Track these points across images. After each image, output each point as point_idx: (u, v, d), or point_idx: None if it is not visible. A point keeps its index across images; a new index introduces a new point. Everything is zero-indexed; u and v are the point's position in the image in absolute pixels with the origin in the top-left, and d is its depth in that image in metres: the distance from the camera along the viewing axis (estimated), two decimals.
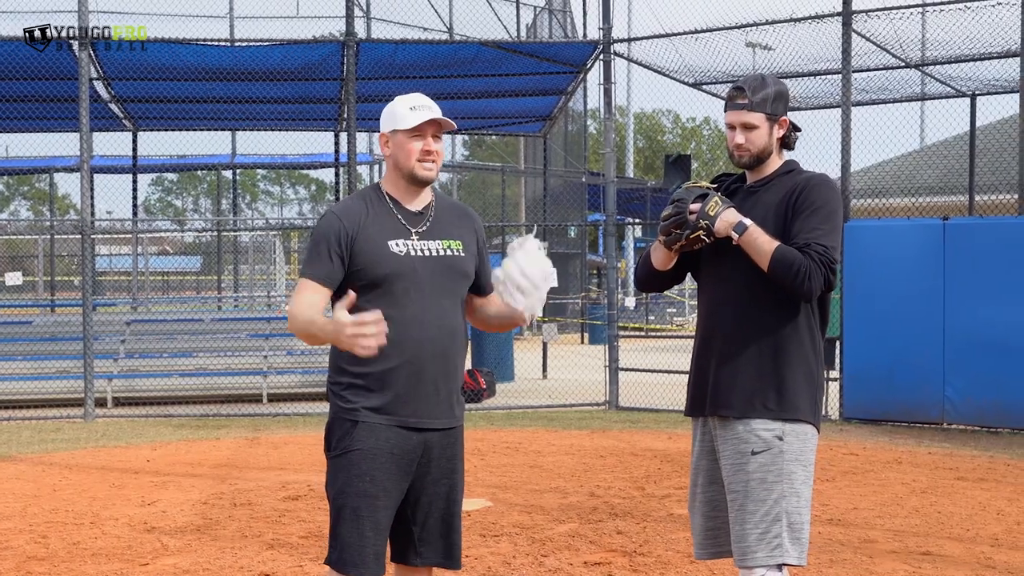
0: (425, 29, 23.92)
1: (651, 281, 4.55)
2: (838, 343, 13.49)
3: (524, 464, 10.32)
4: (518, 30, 23.20)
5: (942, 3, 13.95)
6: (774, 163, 4.36)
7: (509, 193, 32.73)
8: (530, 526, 7.72)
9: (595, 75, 20.18)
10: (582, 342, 28.60)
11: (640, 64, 15.88)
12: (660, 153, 60.62)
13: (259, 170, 65.66)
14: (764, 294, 4.16)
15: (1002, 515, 8.13)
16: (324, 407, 14.90)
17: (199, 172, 56.18)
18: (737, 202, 4.30)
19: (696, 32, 14.87)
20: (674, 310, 36.36)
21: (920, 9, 14.19)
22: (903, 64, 15.43)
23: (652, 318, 33.49)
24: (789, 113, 4.37)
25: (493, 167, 34.78)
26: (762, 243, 4.10)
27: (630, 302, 33.47)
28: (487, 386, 16.39)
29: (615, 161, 15.66)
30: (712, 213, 4.14)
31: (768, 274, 4.10)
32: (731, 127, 4.31)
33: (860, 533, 7.43)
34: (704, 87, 16.96)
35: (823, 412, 13.24)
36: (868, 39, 14.28)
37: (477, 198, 49.00)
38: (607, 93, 15.27)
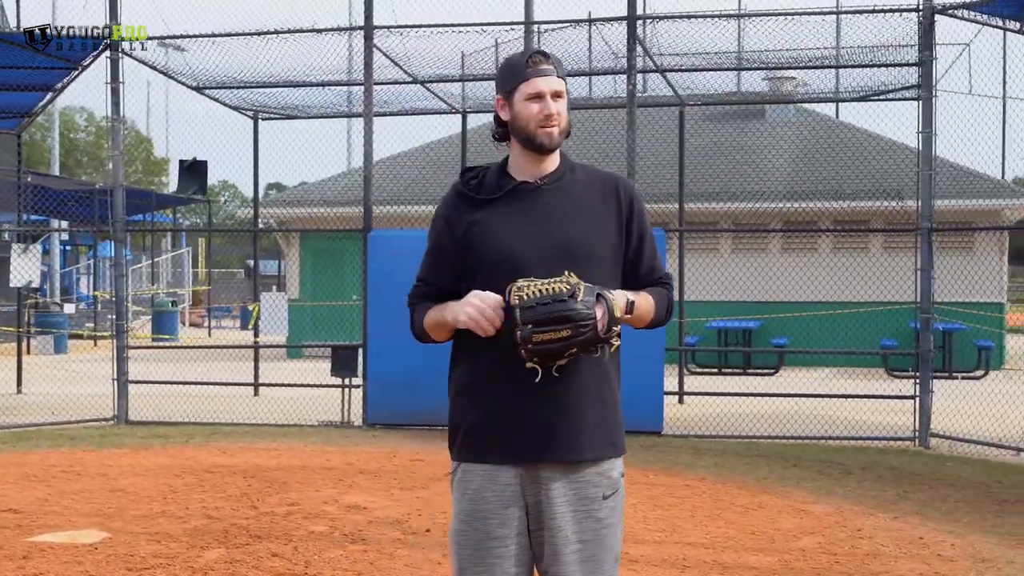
0: None
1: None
2: (361, 350, 13.79)
3: (101, 488, 9.58)
4: None
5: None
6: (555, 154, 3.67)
7: None
8: (174, 555, 7.26)
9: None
10: (28, 352, 26.68)
11: (149, 66, 15.24)
12: (74, 152, 58.04)
13: None
14: None
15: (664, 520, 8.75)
16: None
17: None
18: (523, 202, 3.59)
19: (247, 34, 14.59)
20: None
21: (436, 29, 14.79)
22: (411, 80, 16.06)
23: (90, 325, 32.07)
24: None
25: None
26: (647, 304, 3.63)
27: (70, 308, 31.95)
28: None
29: (122, 164, 14.88)
30: (620, 315, 3.45)
31: (655, 326, 3.70)
32: (539, 96, 3.54)
33: None
34: (206, 91, 16.59)
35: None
36: (385, 54, 14.69)
37: None
38: (115, 93, 14.50)
